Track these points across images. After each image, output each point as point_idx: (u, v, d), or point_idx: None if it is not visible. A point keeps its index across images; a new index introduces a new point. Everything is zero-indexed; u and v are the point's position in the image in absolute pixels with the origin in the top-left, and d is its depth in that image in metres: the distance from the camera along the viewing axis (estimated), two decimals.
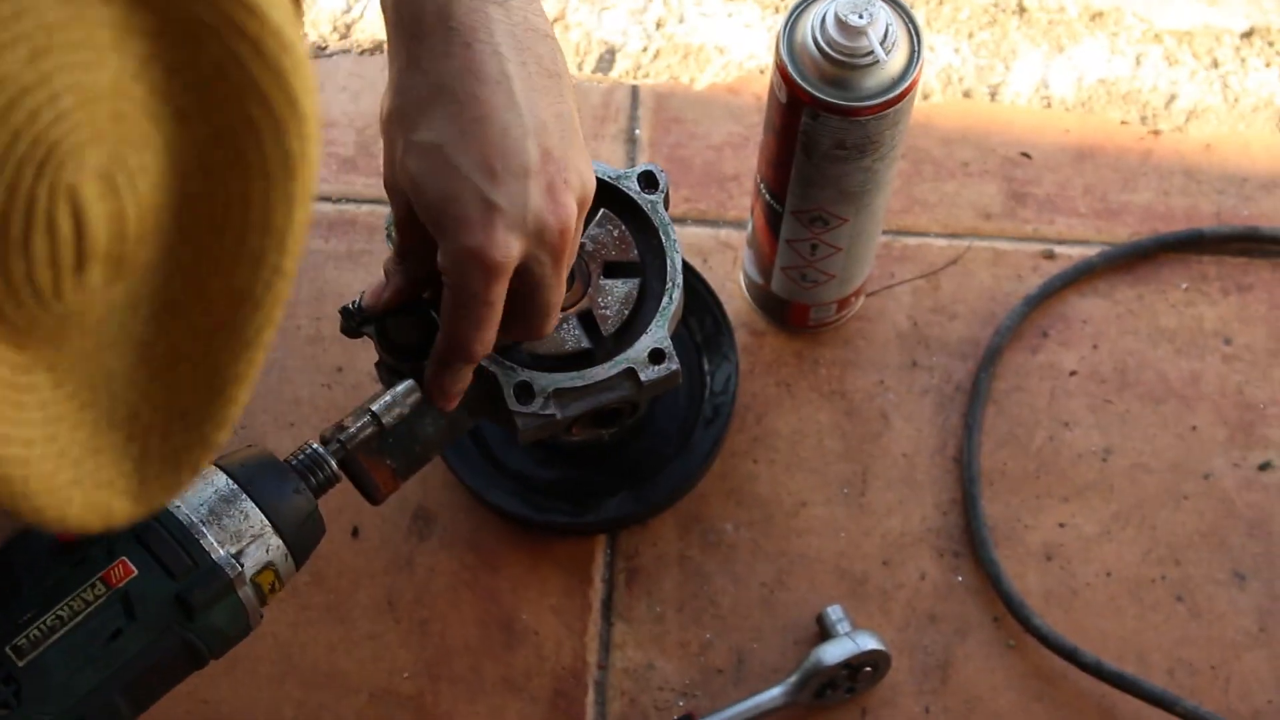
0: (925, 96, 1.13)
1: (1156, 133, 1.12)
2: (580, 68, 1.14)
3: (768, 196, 0.97)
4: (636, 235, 0.88)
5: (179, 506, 0.75)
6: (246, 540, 0.76)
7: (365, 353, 1.04)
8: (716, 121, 1.12)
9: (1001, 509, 1.03)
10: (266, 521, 0.77)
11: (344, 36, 1.15)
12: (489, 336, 0.78)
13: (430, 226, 0.77)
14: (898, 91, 0.88)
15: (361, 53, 1.14)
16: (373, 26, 1.15)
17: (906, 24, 0.88)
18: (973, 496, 1.02)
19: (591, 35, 1.15)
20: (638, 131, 1.12)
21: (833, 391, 1.05)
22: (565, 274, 0.79)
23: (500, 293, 0.77)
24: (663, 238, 0.88)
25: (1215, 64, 1.14)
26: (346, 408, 1.02)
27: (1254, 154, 1.12)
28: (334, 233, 1.09)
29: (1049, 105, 1.13)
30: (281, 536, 0.77)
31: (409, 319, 0.83)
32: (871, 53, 0.87)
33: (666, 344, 0.86)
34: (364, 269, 1.08)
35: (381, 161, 0.79)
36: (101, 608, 0.73)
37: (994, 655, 1.00)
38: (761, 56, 1.14)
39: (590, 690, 0.99)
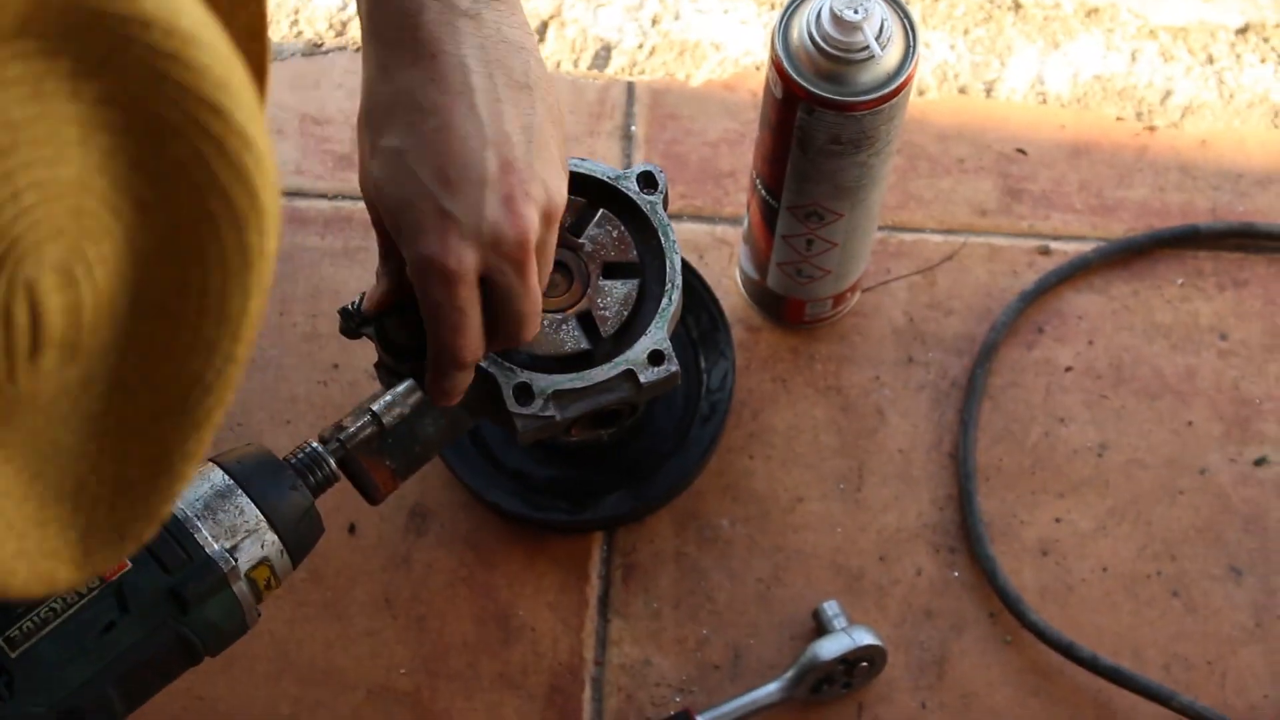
0: (920, 93, 1.13)
1: (1152, 129, 1.12)
2: (576, 64, 1.14)
3: (763, 192, 0.97)
4: (635, 236, 0.88)
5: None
6: (241, 535, 0.76)
7: (362, 350, 1.04)
8: (712, 118, 1.12)
9: (997, 504, 1.03)
10: (262, 517, 0.77)
11: (340, 34, 1.15)
12: (472, 342, 0.78)
13: (391, 232, 0.77)
14: (893, 87, 0.88)
15: (357, 50, 1.14)
16: None
17: (901, 19, 0.88)
18: (968, 492, 1.02)
19: (587, 32, 1.15)
20: (633, 128, 1.12)
21: (829, 387, 1.06)
22: (535, 284, 0.78)
23: (467, 299, 0.77)
24: (662, 238, 0.88)
25: (1210, 60, 1.14)
26: (343, 405, 1.02)
27: (1249, 150, 1.12)
28: (330, 230, 1.09)
29: (1044, 101, 1.13)
30: (277, 533, 0.77)
31: (407, 319, 0.82)
32: (867, 48, 0.87)
33: (666, 345, 0.86)
34: (360, 266, 1.08)
35: None
36: (95, 600, 0.74)
37: (990, 650, 1.00)
38: (757, 53, 1.14)
39: (587, 686, 0.99)
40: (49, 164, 0.47)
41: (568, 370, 0.86)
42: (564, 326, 0.87)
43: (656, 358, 0.86)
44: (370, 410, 0.83)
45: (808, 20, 0.87)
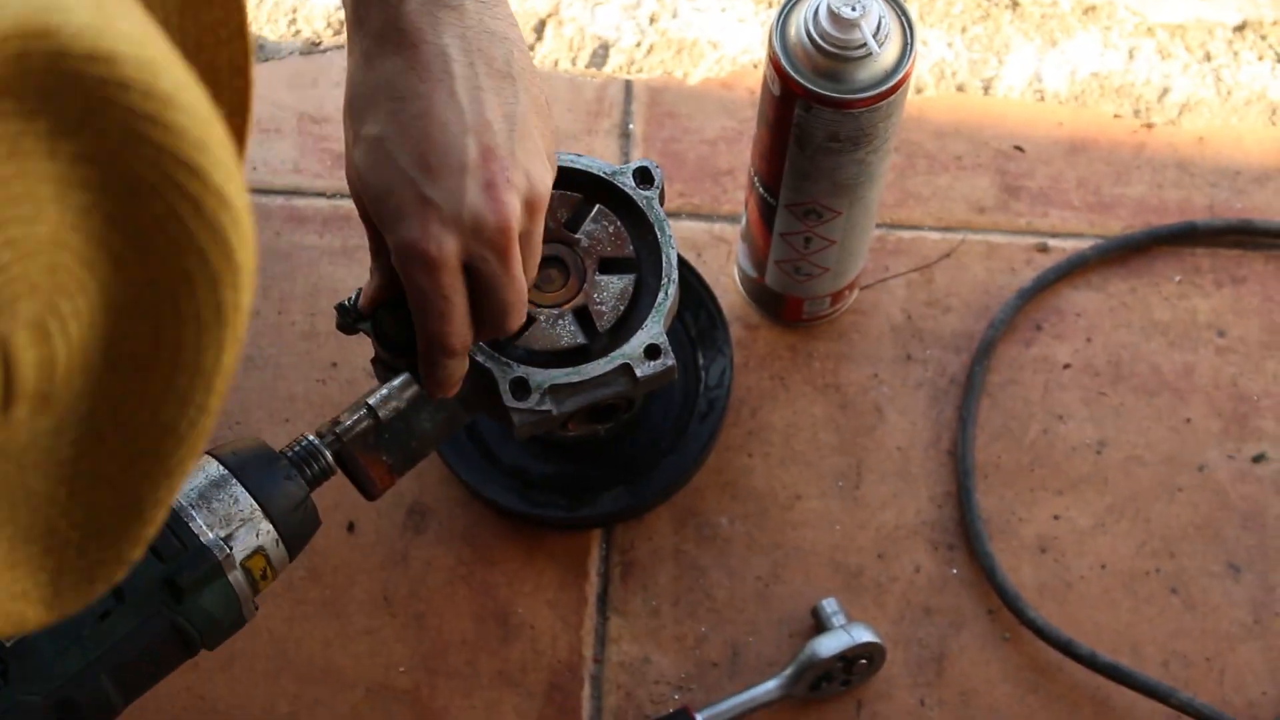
0: (918, 90, 1.13)
1: (1149, 126, 1.12)
2: (574, 63, 1.14)
3: (761, 190, 0.97)
4: (632, 231, 0.88)
5: None
6: (236, 524, 0.76)
7: (360, 348, 1.04)
8: (710, 116, 1.12)
9: (996, 502, 1.03)
10: (256, 506, 0.77)
11: (338, 33, 1.15)
12: (459, 329, 0.78)
13: (376, 220, 0.78)
14: (891, 84, 0.88)
15: None
16: None
17: (899, 16, 0.88)
18: (967, 489, 1.02)
19: (585, 31, 1.15)
20: (631, 126, 1.12)
21: (827, 385, 1.06)
22: (519, 272, 0.78)
23: (451, 286, 0.76)
24: (658, 233, 0.88)
25: (1208, 57, 1.14)
26: (341, 403, 1.02)
27: (1247, 147, 1.12)
28: (328, 228, 1.09)
29: (1042, 99, 1.13)
30: (272, 522, 0.77)
31: (401, 313, 0.83)
32: (864, 45, 0.87)
33: (662, 339, 0.86)
34: (358, 264, 1.08)
35: None
36: None
37: (989, 648, 1.00)
38: (755, 51, 1.14)
39: (586, 684, 0.99)
40: (25, 222, 0.48)
41: (564, 365, 0.86)
42: (560, 322, 0.87)
43: (653, 352, 0.86)
44: (366, 404, 0.83)
45: (805, 17, 0.87)
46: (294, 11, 1.16)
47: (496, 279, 0.77)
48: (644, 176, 0.89)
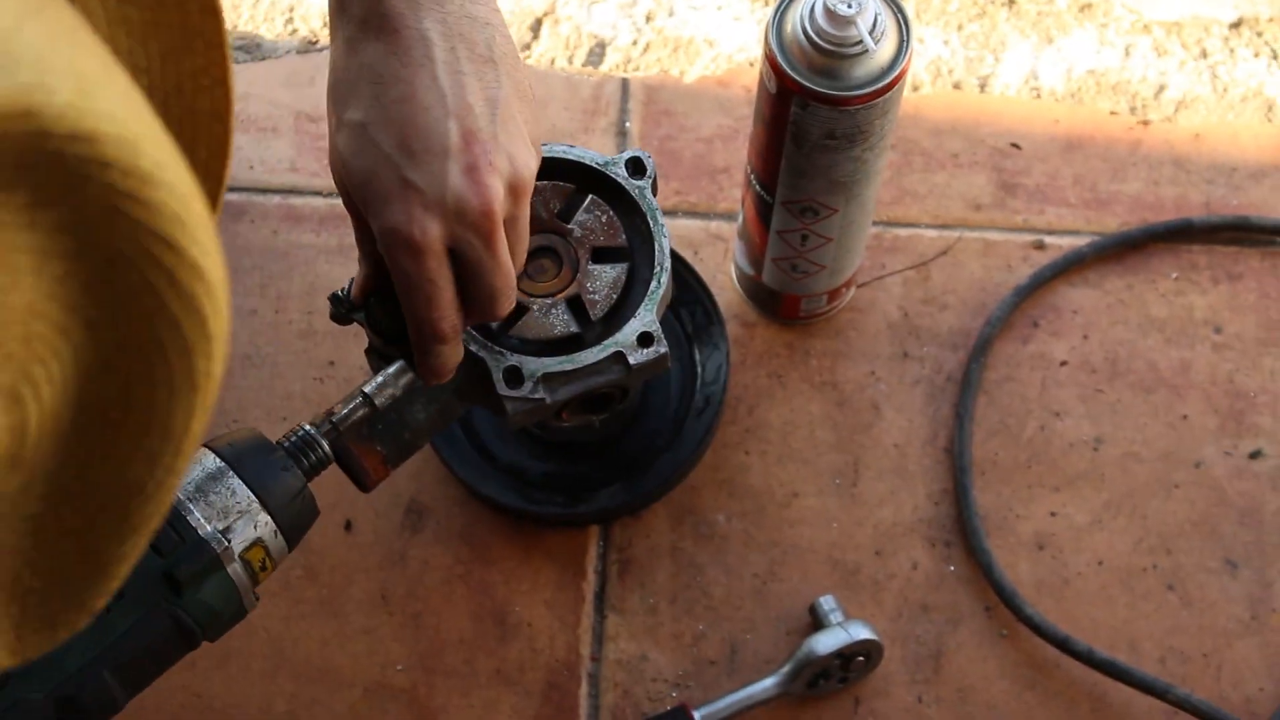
0: (915, 88, 1.13)
1: (1146, 123, 1.13)
2: (570, 61, 1.14)
3: (758, 188, 0.97)
4: (624, 220, 0.89)
5: None
6: (234, 516, 0.76)
7: (357, 346, 1.04)
8: (706, 114, 1.12)
9: (993, 499, 1.03)
10: (254, 498, 0.77)
11: None
12: (448, 314, 0.78)
13: (360, 206, 0.78)
14: (887, 81, 0.88)
15: None
16: None
17: (895, 13, 0.88)
18: (964, 486, 1.03)
19: (581, 29, 1.15)
20: (628, 124, 1.12)
21: (824, 382, 1.06)
22: (505, 257, 0.78)
23: (436, 270, 0.76)
24: (650, 223, 0.88)
25: (1204, 54, 1.15)
26: None
27: (1243, 144, 1.12)
28: (325, 227, 1.09)
29: (1038, 96, 1.13)
30: (270, 513, 0.77)
31: (392, 302, 0.82)
32: (860, 42, 0.87)
33: (655, 327, 0.86)
34: (355, 263, 1.07)
35: None
36: None
37: (986, 644, 1.00)
38: (751, 49, 1.14)
39: (583, 682, 0.99)
40: (1, 291, 0.48)
41: (557, 353, 0.86)
42: (553, 311, 0.87)
43: (645, 339, 0.86)
44: (362, 392, 0.83)
45: (801, 15, 0.88)
46: (291, 10, 1.16)
47: (482, 263, 0.77)
48: (636, 167, 0.89)
